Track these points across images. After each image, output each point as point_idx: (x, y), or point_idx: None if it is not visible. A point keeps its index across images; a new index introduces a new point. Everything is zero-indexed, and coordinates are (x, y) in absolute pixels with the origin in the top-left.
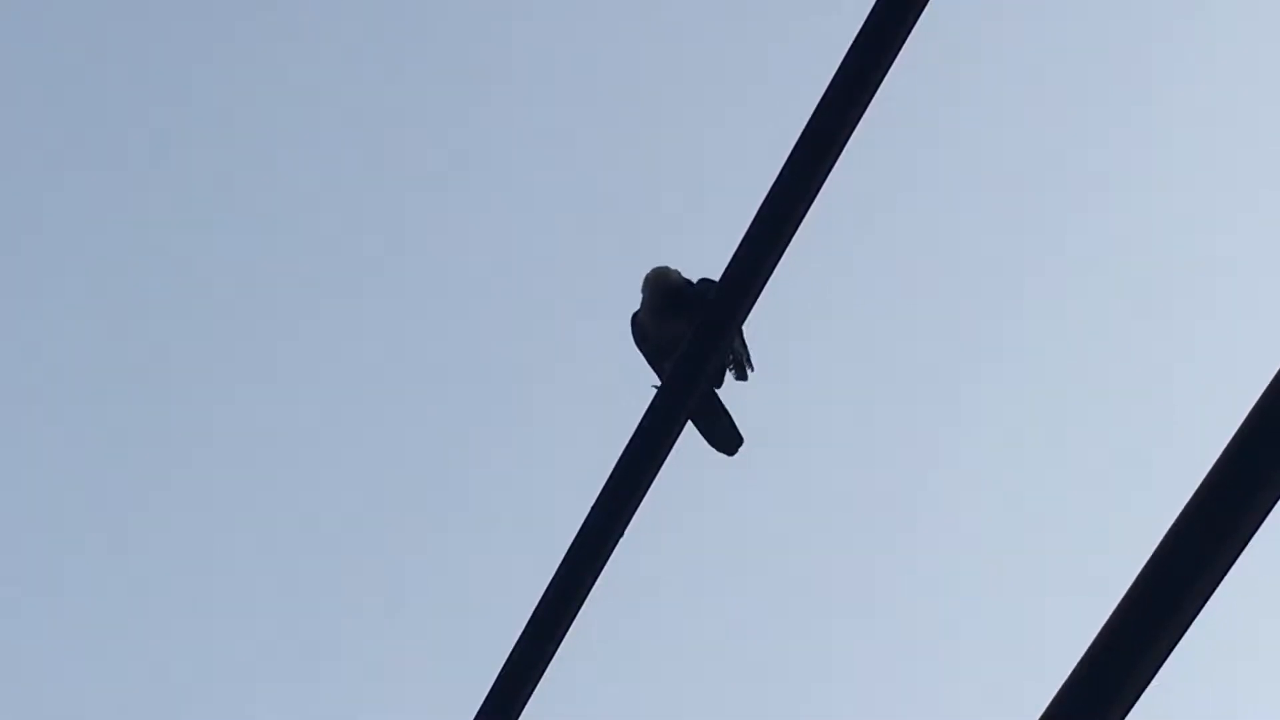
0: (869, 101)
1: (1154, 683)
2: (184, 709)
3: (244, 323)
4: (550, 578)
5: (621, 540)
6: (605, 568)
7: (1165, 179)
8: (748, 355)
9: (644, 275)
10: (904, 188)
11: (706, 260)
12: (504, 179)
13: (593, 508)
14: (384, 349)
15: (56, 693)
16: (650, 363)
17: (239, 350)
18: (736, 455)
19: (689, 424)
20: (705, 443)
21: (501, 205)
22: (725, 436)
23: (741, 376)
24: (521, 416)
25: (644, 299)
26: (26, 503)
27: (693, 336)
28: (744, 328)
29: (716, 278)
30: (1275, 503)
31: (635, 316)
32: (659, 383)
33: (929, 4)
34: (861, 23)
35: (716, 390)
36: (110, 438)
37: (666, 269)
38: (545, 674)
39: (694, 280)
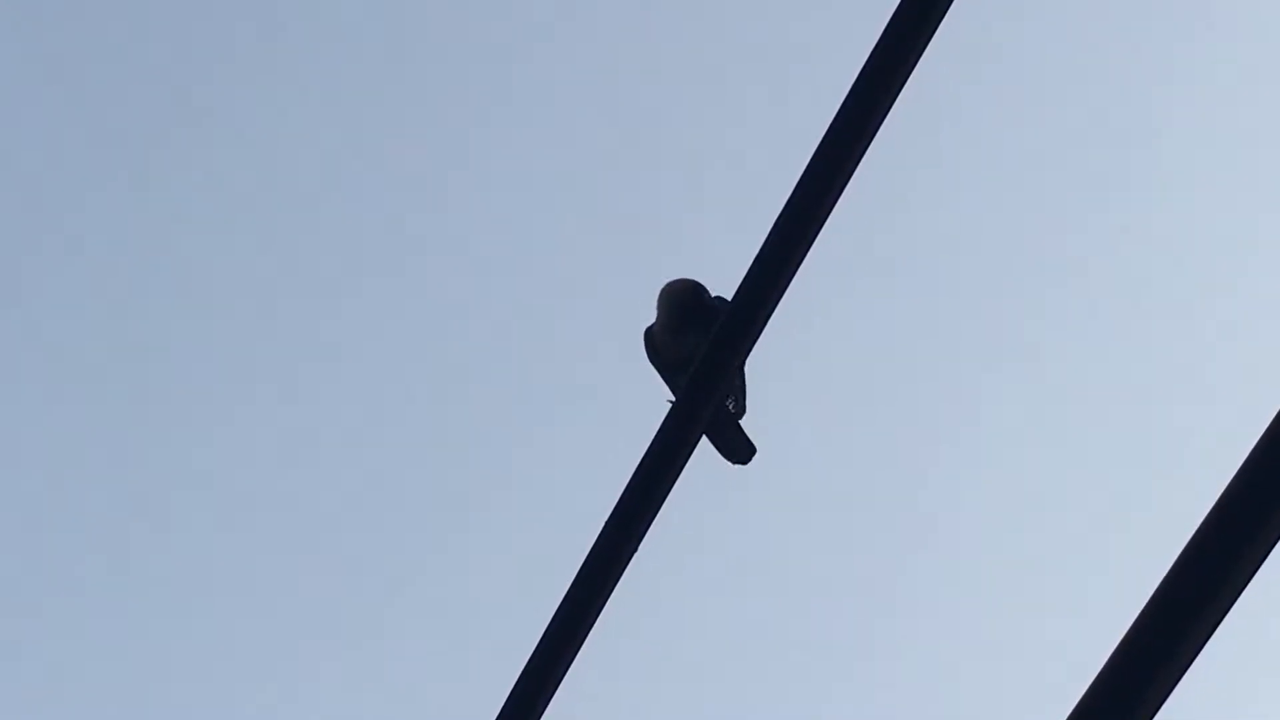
0: (886, 113)
1: (1177, 690)
2: (190, 709)
3: (254, 325)
4: (563, 594)
5: (635, 555)
6: (619, 582)
7: (1174, 183)
8: (744, 394)
9: (660, 289)
10: (913, 200)
11: (726, 270)
12: (519, 189)
13: (605, 524)
14: (397, 359)
15: (64, 693)
16: (664, 378)
17: (251, 354)
18: (749, 465)
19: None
20: (718, 453)
21: (515, 215)
22: (738, 446)
23: (737, 415)
24: (537, 429)
25: (659, 313)
26: (31, 502)
27: (706, 352)
28: (745, 366)
29: (728, 295)
30: None
31: (648, 331)
32: (673, 398)
33: (941, 22)
34: (878, 37)
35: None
36: (122, 437)
37: (683, 281)
38: (559, 687)
39: (711, 294)
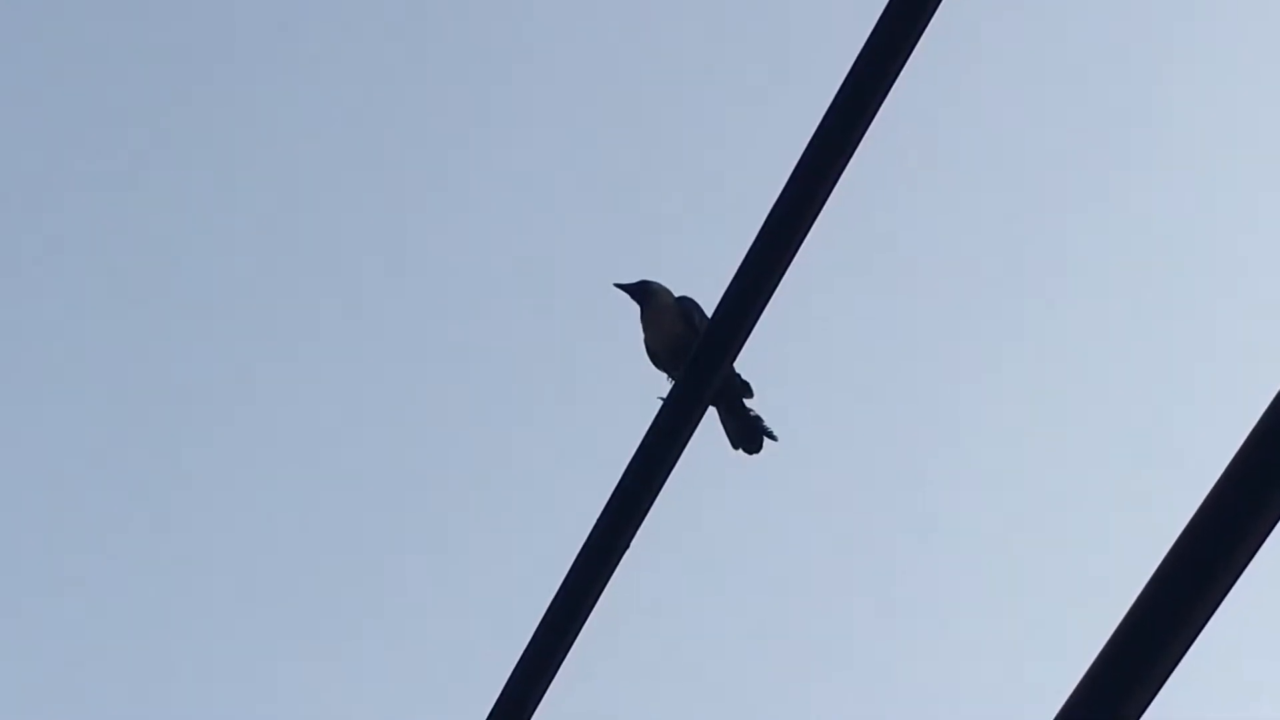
0: (883, 99)
1: (1167, 684)
2: (189, 708)
3: (254, 325)
4: (555, 592)
5: (628, 551)
6: (613, 575)
7: (1170, 183)
8: (743, 388)
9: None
10: (912, 199)
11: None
12: (517, 182)
13: (595, 525)
14: (399, 355)
15: (64, 693)
16: (668, 374)
17: (252, 351)
18: (759, 454)
19: (717, 423)
20: (728, 440)
21: (513, 209)
22: (751, 434)
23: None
24: (534, 429)
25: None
26: (33, 500)
27: (695, 353)
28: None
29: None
30: None
31: (645, 342)
32: (663, 396)
33: (935, 12)
34: (875, 22)
35: (745, 399)
36: (125, 437)
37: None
38: (555, 677)
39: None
